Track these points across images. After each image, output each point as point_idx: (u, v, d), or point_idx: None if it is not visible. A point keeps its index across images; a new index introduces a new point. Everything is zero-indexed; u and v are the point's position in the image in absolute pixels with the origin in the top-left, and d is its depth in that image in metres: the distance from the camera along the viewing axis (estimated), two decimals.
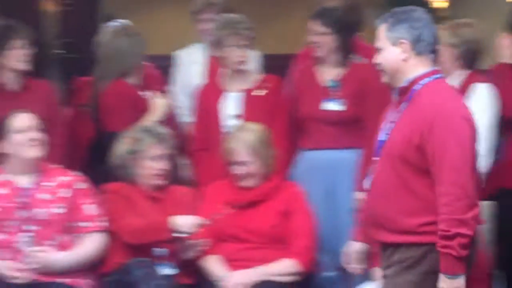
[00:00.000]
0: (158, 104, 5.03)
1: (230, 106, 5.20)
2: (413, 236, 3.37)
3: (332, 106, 5.01)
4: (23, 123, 4.51)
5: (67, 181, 4.51)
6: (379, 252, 3.62)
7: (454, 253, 3.26)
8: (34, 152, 4.44)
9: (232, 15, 5.25)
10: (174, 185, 4.78)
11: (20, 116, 4.56)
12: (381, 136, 3.56)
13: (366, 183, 3.63)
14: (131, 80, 5.14)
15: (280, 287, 4.49)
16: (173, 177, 4.85)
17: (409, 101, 3.47)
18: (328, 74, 5.10)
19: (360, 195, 4.63)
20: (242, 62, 5.12)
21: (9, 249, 4.35)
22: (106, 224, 4.49)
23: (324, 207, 4.82)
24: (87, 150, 5.24)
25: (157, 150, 4.60)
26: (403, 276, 3.41)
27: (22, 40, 5.04)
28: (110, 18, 10.78)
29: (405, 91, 3.48)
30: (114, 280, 4.45)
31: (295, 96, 5.18)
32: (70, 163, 4.90)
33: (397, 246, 3.43)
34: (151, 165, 4.61)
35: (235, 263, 4.58)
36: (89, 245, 4.46)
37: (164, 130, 4.77)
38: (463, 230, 3.24)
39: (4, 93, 5.05)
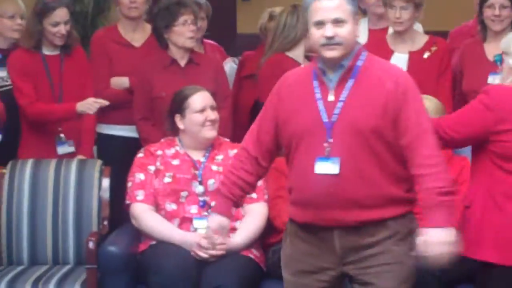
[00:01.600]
0: None
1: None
2: (400, 207, 3.44)
3: (499, 79, 4.88)
4: (202, 103, 4.59)
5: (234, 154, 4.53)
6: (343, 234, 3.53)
7: (451, 205, 3.36)
8: (211, 133, 4.55)
9: None
10: None
11: (198, 95, 4.62)
12: (324, 117, 3.43)
13: (327, 167, 3.47)
14: (293, 55, 5.20)
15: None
16: None
17: (355, 77, 3.42)
18: (494, 48, 5.02)
19: None
20: (401, 24, 5.09)
21: (180, 220, 4.47)
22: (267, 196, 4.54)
23: None
24: (247, 118, 5.32)
25: None
26: (401, 248, 3.44)
27: (189, 16, 5.10)
28: None
29: (351, 68, 3.43)
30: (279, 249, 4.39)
31: (460, 70, 5.19)
32: (233, 131, 5.09)
33: (381, 221, 3.43)
34: None
35: None
36: (258, 218, 4.50)
37: None
38: (454, 188, 3.40)
39: (174, 68, 5.14)
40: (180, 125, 4.62)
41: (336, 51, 3.39)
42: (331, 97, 3.44)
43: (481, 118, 3.65)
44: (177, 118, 4.62)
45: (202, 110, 4.57)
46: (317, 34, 3.40)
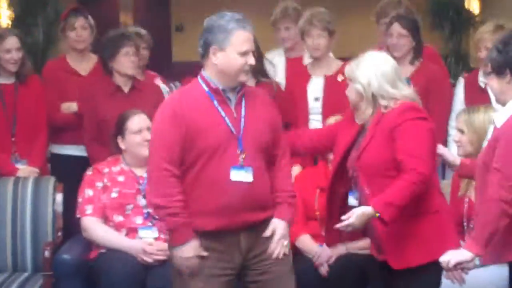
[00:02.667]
0: None
1: (314, 90, 5.29)
2: None
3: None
4: (138, 125, 4.66)
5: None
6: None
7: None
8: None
9: (315, 9, 5.31)
10: None
11: (135, 117, 4.70)
12: (234, 131, 3.67)
13: (241, 175, 3.68)
14: None
15: (362, 259, 4.50)
16: None
17: (245, 97, 3.75)
18: (402, 72, 4.93)
19: None
20: (318, 50, 5.21)
21: (127, 230, 4.54)
22: None
23: None
24: None
25: None
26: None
27: (131, 47, 5.17)
28: (180, 28, 11.11)
29: (243, 89, 3.75)
30: None
31: None
32: None
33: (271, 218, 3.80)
34: None
35: (319, 238, 4.69)
36: None
37: None
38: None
39: (119, 94, 5.18)
40: (122, 146, 4.69)
41: (248, 76, 3.75)
42: (234, 114, 3.67)
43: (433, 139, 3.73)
44: (119, 139, 4.70)
45: (139, 131, 4.64)
46: (241, 61, 3.63)
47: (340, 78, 5.14)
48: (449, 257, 3.57)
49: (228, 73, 3.69)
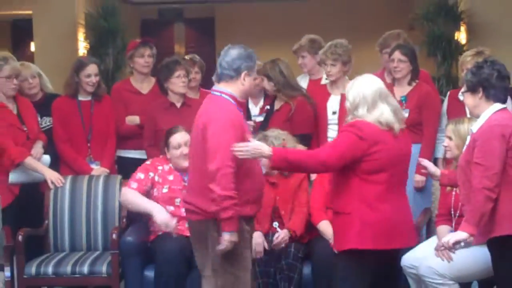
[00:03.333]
0: None
1: (332, 105, 5.25)
2: None
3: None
4: (178, 141, 4.63)
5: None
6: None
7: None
8: (184, 163, 4.50)
9: (334, 41, 5.26)
10: None
11: (177, 134, 4.66)
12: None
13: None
14: None
15: None
16: None
17: None
18: (400, 91, 5.17)
19: (418, 177, 4.99)
20: (331, 75, 5.20)
21: (178, 218, 4.49)
22: None
23: None
24: None
25: None
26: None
27: (182, 71, 5.14)
28: None
29: None
30: None
31: None
32: None
33: None
34: None
35: None
36: None
37: None
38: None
39: (172, 109, 5.17)
40: (167, 155, 4.71)
41: None
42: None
43: (358, 145, 3.63)
44: (166, 150, 4.71)
45: (178, 146, 4.62)
46: (254, 83, 3.93)
47: None
48: (449, 238, 3.67)
49: (249, 93, 3.91)
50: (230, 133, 3.63)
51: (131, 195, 4.50)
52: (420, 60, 5.77)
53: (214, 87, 3.81)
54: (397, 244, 3.76)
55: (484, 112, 3.70)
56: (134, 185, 4.62)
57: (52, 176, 5.03)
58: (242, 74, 3.74)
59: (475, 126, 3.73)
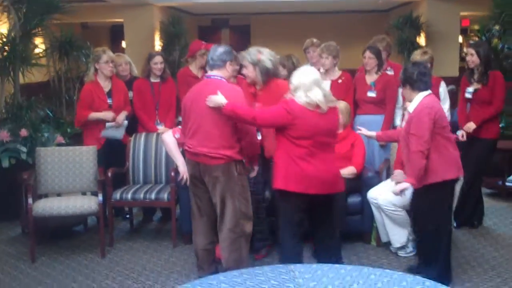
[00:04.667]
0: None
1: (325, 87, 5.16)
2: None
3: (371, 94, 5.01)
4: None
5: None
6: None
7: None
8: None
9: (327, 43, 5.07)
10: None
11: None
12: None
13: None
14: None
15: (349, 181, 4.26)
16: None
17: None
18: (370, 78, 5.07)
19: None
20: (324, 66, 5.00)
21: None
22: None
23: (366, 141, 4.70)
24: None
25: None
26: None
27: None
28: None
29: None
30: None
31: (354, 88, 5.11)
32: None
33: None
34: None
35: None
36: None
37: None
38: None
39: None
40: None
41: None
42: None
43: (285, 116, 3.45)
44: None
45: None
46: (234, 69, 3.81)
47: (339, 81, 5.06)
48: (399, 186, 3.65)
49: (231, 75, 3.87)
50: (241, 94, 3.59)
51: (170, 141, 3.90)
52: (393, 56, 5.65)
53: (209, 73, 3.66)
54: (318, 191, 3.50)
55: (415, 99, 3.65)
56: (177, 135, 3.99)
57: (108, 115, 4.98)
58: (227, 63, 3.66)
59: (411, 107, 3.66)
